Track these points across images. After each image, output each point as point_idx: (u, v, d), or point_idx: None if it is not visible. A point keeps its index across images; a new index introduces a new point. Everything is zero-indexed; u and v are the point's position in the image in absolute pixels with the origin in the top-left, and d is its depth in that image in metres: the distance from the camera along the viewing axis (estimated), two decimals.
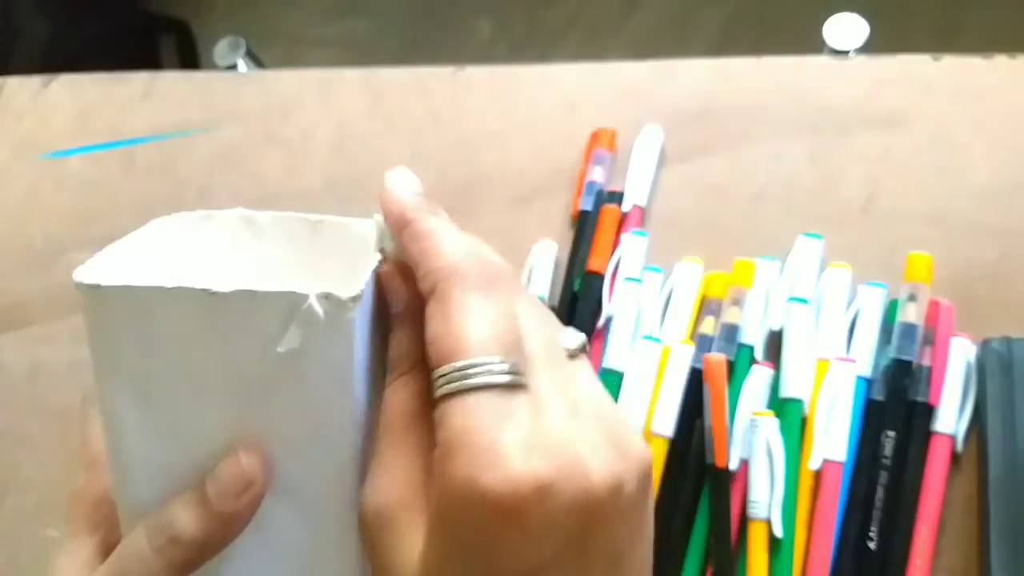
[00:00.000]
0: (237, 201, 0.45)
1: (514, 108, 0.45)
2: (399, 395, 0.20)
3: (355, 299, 0.19)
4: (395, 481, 0.20)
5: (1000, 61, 0.41)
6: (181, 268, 0.21)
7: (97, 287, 0.19)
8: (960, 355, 0.35)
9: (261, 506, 0.21)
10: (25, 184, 0.48)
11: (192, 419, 0.20)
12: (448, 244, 0.20)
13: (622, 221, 0.40)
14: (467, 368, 0.18)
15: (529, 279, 0.40)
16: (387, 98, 0.46)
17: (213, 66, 0.58)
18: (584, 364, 0.21)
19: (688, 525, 0.35)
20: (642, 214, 0.41)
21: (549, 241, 0.41)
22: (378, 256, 0.22)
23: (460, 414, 0.18)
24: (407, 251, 0.21)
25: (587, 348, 0.22)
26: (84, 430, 0.24)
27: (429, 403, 0.20)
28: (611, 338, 0.38)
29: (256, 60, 0.59)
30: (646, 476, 0.19)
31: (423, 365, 0.20)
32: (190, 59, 1.21)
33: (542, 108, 0.44)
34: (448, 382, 0.18)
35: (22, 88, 0.50)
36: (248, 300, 0.19)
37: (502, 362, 0.18)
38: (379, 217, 0.23)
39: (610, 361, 0.37)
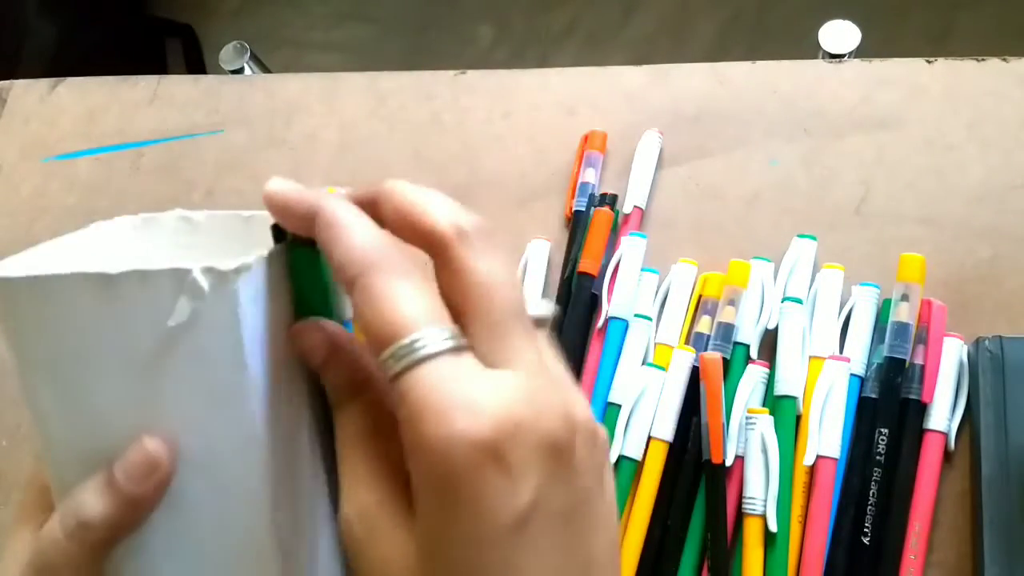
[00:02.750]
0: (242, 202, 0.46)
1: (514, 112, 0.45)
2: (348, 421, 0.22)
3: (237, 271, 0.20)
4: (369, 488, 0.20)
5: (992, 64, 0.42)
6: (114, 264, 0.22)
7: (4, 280, 0.20)
8: (952, 354, 0.35)
9: (174, 483, 0.21)
10: (32, 186, 0.49)
11: (102, 402, 0.21)
12: (360, 235, 0.20)
13: (623, 223, 0.41)
14: (412, 343, 0.19)
15: (523, 278, 0.41)
16: (389, 102, 0.47)
17: (218, 70, 0.59)
18: (544, 335, 0.22)
19: (685, 521, 0.35)
20: (641, 216, 0.41)
21: (542, 240, 0.41)
22: (271, 239, 0.22)
23: (418, 383, 0.19)
24: (318, 238, 0.21)
25: (550, 319, 0.23)
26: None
27: (379, 420, 0.21)
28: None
29: (261, 64, 0.59)
30: (595, 437, 0.21)
31: (361, 388, 0.22)
32: (196, 63, 1.21)
33: (542, 112, 0.45)
34: (397, 360, 0.19)
35: (29, 91, 0.51)
36: (139, 279, 0.20)
37: (441, 330, 0.19)
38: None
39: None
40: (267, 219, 0.23)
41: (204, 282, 0.20)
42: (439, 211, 0.21)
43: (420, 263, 0.21)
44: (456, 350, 0.19)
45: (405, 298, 0.19)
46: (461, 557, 0.19)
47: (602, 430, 0.21)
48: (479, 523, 0.18)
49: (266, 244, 0.22)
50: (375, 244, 0.20)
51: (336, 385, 0.22)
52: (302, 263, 0.23)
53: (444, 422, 0.18)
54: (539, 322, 0.22)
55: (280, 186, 0.21)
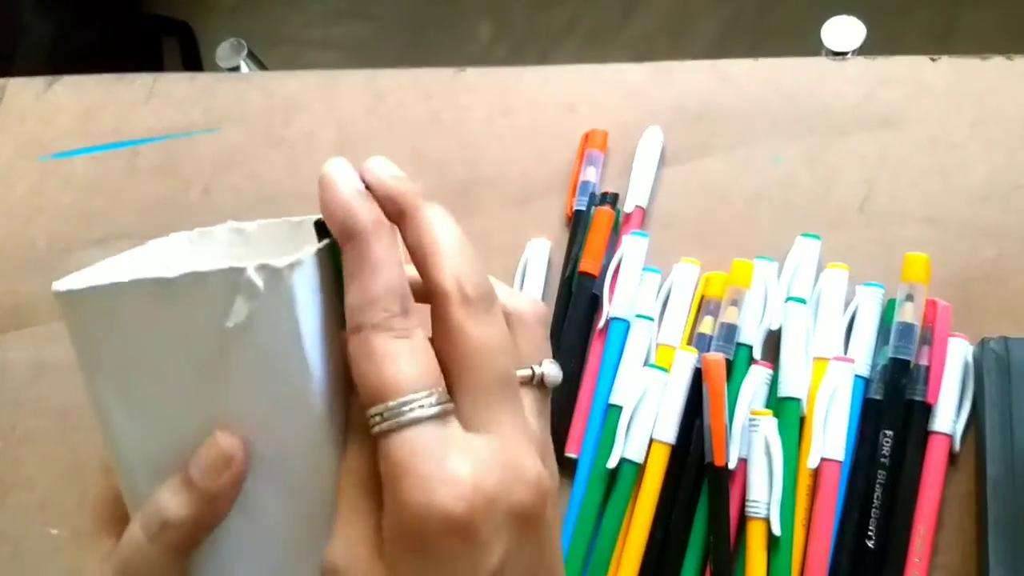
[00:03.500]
0: (239, 201, 0.46)
1: (514, 110, 0.45)
2: (353, 459, 0.22)
3: (291, 267, 0.20)
4: (353, 542, 0.21)
5: (997, 62, 0.41)
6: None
7: (69, 292, 0.21)
8: (957, 354, 0.35)
9: (245, 486, 0.22)
10: (28, 185, 0.48)
11: (170, 406, 0.22)
12: (381, 286, 0.21)
13: (624, 222, 0.41)
14: (399, 406, 0.20)
15: (523, 277, 0.41)
16: (388, 100, 0.46)
17: (215, 68, 0.59)
18: (528, 392, 0.24)
19: (688, 524, 0.35)
20: (643, 215, 0.41)
21: (542, 239, 0.41)
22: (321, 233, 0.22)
23: (400, 447, 0.20)
24: (344, 256, 0.21)
25: (538, 377, 0.24)
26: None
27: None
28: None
29: (258, 62, 0.59)
30: (555, 495, 0.22)
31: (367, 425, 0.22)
32: (192, 61, 1.21)
33: (542, 110, 0.45)
34: (383, 420, 0.20)
35: (25, 89, 0.51)
36: (194, 281, 0.20)
37: (429, 395, 0.20)
38: None
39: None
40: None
41: (259, 280, 0.20)
42: (449, 264, 0.22)
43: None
44: (441, 416, 0.20)
45: (401, 360, 0.20)
46: None
47: (555, 484, 0.23)
48: None
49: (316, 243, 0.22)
50: (390, 299, 0.21)
51: (347, 419, 0.22)
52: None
53: (422, 490, 0.19)
54: (522, 380, 0.23)
55: (332, 179, 0.21)
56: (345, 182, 0.21)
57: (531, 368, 0.24)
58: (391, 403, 0.20)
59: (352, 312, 0.21)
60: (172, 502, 0.21)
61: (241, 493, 0.22)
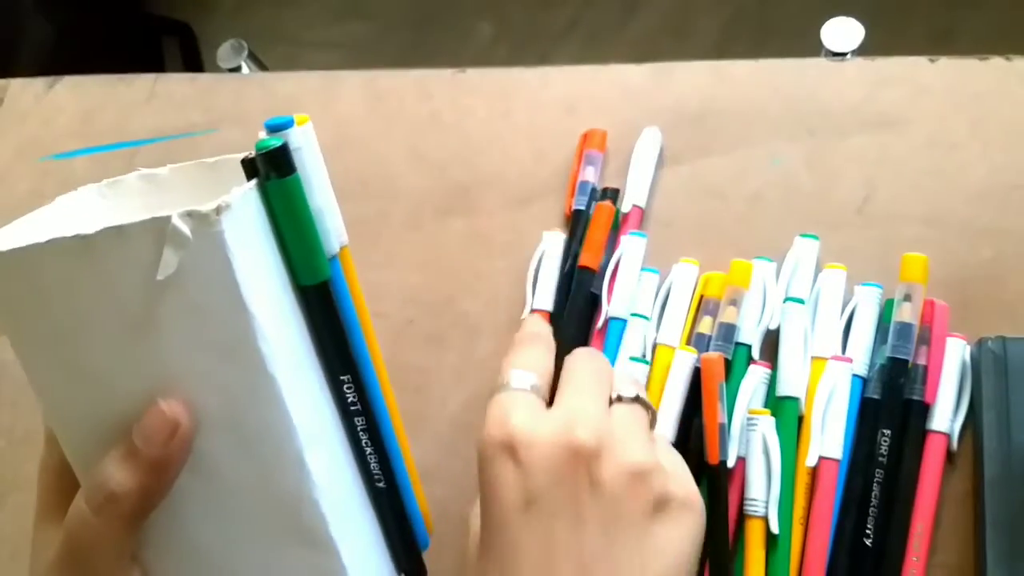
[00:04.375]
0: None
1: (514, 110, 0.45)
2: None
3: (218, 210, 0.19)
4: None
5: (996, 63, 0.41)
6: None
7: None
8: (955, 354, 0.35)
9: (196, 445, 0.21)
10: (29, 185, 0.48)
11: (106, 370, 0.20)
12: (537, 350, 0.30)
13: (622, 222, 0.41)
14: (509, 378, 0.28)
15: (538, 269, 0.40)
16: (388, 100, 0.46)
17: (216, 68, 0.59)
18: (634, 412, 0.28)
19: None
20: (641, 215, 0.41)
21: (556, 232, 0.41)
22: (244, 176, 0.21)
23: (494, 402, 0.27)
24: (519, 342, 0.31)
25: (639, 398, 0.28)
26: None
27: None
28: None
29: (258, 62, 0.59)
30: (643, 480, 0.25)
31: None
32: (193, 61, 1.21)
33: (542, 110, 0.45)
34: (498, 384, 0.28)
35: (26, 90, 0.51)
36: (117, 235, 0.19)
37: (530, 375, 0.28)
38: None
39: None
40: (234, 162, 0.22)
41: (186, 228, 0.19)
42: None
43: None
44: (530, 390, 0.27)
45: (526, 355, 0.29)
46: (484, 535, 0.25)
47: (680, 489, 0.26)
48: (493, 503, 0.24)
49: (240, 185, 0.21)
50: (536, 341, 0.31)
51: None
52: (281, 195, 0.21)
53: (487, 428, 0.25)
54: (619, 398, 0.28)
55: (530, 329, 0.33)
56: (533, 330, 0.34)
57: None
58: (507, 374, 0.27)
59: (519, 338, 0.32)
60: (116, 473, 0.21)
61: (192, 453, 0.21)
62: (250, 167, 0.21)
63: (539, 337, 0.32)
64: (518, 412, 0.25)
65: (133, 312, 0.20)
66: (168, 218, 0.19)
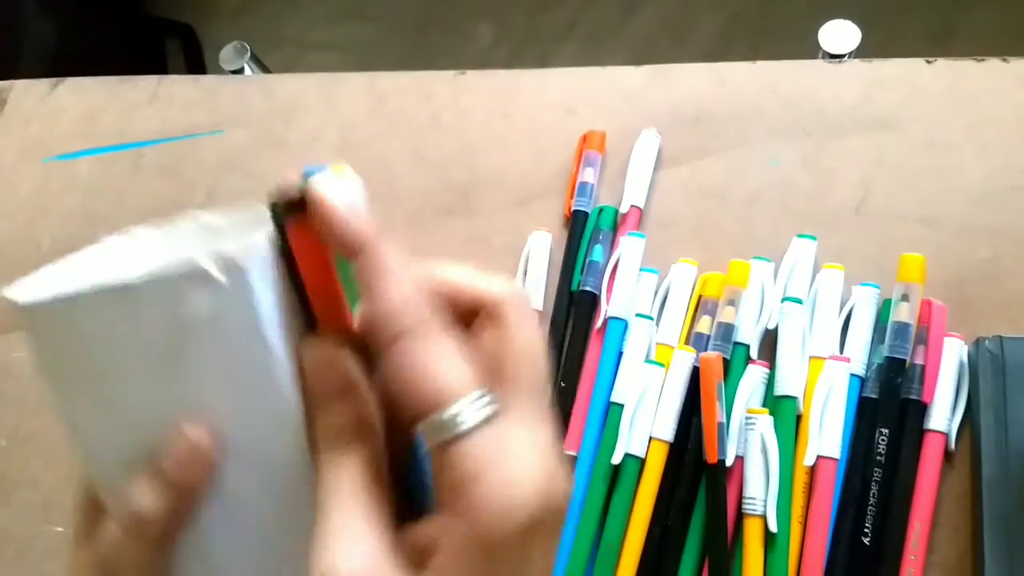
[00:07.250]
0: (242, 202, 0.46)
1: (514, 112, 0.45)
2: (347, 468, 0.21)
3: (244, 251, 0.20)
4: (367, 544, 0.20)
5: (992, 64, 0.42)
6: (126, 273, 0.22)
7: (31, 305, 0.21)
8: (953, 354, 0.35)
9: (221, 474, 0.22)
10: (32, 186, 0.49)
11: (137, 404, 0.22)
12: (406, 291, 0.20)
13: (621, 222, 0.41)
14: (456, 415, 0.19)
15: (526, 270, 0.41)
16: (389, 101, 0.47)
17: (218, 70, 0.59)
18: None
19: (685, 521, 0.35)
20: (640, 215, 0.41)
21: (543, 232, 0.41)
22: (269, 216, 0.22)
23: (466, 454, 0.19)
24: (359, 275, 0.21)
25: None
26: None
27: (379, 473, 0.21)
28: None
29: (261, 64, 0.59)
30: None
31: (366, 433, 0.21)
32: (196, 63, 1.21)
33: (542, 112, 0.45)
34: (440, 431, 0.20)
35: (29, 91, 0.51)
36: (151, 280, 0.20)
37: (481, 396, 0.20)
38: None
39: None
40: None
41: (213, 269, 0.20)
42: (494, 278, 0.22)
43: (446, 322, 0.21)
44: (496, 415, 0.20)
45: (444, 366, 0.20)
46: None
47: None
48: None
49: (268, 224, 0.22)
50: (418, 303, 0.20)
51: (337, 426, 0.21)
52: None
53: (504, 490, 0.19)
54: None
55: (323, 195, 0.21)
56: (338, 196, 0.21)
57: None
58: (445, 413, 0.19)
59: (383, 322, 0.20)
60: (145, 496, 0.22)
61: (217, 481, 0.22)
62: (276, 211, 0.22)
63: (418, 289, 0.22)
64: (523, 463, 0.20)
65: (164, 349, 0.21)
66: (197, 260, 0.20)
